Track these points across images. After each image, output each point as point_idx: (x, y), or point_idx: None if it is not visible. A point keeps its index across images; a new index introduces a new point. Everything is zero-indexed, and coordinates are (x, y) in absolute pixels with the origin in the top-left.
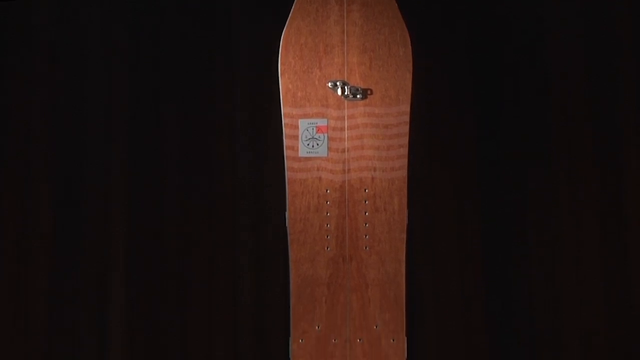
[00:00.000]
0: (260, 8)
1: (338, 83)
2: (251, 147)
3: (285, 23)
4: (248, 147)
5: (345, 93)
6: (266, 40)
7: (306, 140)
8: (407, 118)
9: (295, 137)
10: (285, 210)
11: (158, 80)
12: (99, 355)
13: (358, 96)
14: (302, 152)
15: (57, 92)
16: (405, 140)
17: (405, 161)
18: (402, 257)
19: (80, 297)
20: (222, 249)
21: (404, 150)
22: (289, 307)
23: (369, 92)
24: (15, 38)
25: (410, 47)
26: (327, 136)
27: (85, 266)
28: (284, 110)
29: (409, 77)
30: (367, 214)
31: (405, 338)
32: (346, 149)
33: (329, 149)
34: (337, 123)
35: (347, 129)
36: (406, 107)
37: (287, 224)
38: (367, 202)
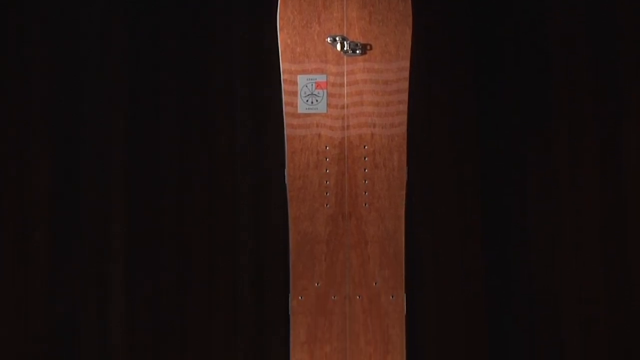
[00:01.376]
0: None
1: (337, 38)
2: (250, 105)
3: None
4: (247, 106)
5: (345, 48)
6: None
7: (305, 97)
8: (406, 74)
9: (294, 94)
10: (284, 167)
11: (157, 48)
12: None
13: (357, 51)
14: (301, 108)
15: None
16: (405, 97)
17: (405, 117)
18: (402, 213)
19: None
20: (222, 209)
21: (404, 107)
22: (289, 264)
23: (368, 47)
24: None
25: (410, 1)
26: (327, 92)
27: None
28: (282, 66)
29: (409, 32)
30: (366, 170)
31: (405, 295)
32: (345, 105)
33: (328, 105)
34: (336, 79)
35: (347, 85)
36: (406, 63)
37: (286, 181)
38: (366, 159)
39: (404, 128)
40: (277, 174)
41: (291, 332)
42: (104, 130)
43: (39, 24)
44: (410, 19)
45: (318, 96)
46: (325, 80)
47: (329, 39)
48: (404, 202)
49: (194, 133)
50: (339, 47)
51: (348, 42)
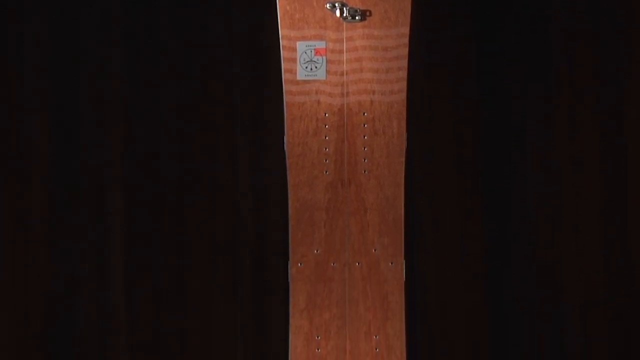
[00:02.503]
0: None
1: (336, 4)
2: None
3: None
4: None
5: (344, 15)
6: None
7: (304, 63)
8: (406, 40)
9: (294, 60)
10: (283, 134)
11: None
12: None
13: (357, 17)
14: (301, 75)
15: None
16: (404, 63)
17: (404, 84)
18: (401, 180)
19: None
20: (221, 176)
21: (403, 73)
22: (288, 231)
23: (367, 13)
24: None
25: None
26: (326, 59)
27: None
28: (281, 32)
29: None
30: (366, 137)
31: (404, 262)
32: (345, 72)
33: (327, 72)
34: (335, 45)
35: (346, 52)
36: (405, 29)
37: (285, 148)
38: (366, 126)
39: (403, 95)
40: (276, 140)
41: (291, 299)
42: (102, 91)
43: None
44: None
45: (317, 63)
46: (324, 46)
47: (328, 5)
48: (403, 169)
49: (194, 85)
50: (338, 13)
51: (347, 8)
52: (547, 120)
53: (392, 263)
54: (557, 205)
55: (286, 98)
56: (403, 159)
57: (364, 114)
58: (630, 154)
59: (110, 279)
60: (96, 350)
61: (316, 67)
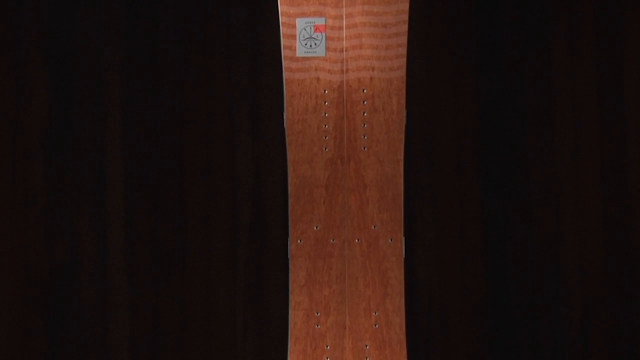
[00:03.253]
0: None
1: None
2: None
3: None
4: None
5: None
6: None
7: (304, 40)
8: (405, 17)
9: (293, 37)
10: (283, 111)
11: None
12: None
13: None
14: (300, 51)
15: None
16: (404, 40)
17: (404, 61)
18: (401, 157)
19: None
20: (220, 153)
21: (403, 50)
22: (288, 208)
23: None
24: None
25: None
26: (325, 35)
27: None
28: (281, 9)
29: None
30: (365, 114)
31: (404, 238)
32: (344, 49)
33: (327, 48)
34: (335, 22)
35: (346, 28)
36: (405, 6)
37: (285, 126)
38: (365, 103)
39: (403, 71)
40: (276, 115)
41: (290, 275)
42: (101, 60)
43: None
44: None
45: (317, 39)
46: (324, 23)
47: None
48: (402, 146)
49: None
50: None
51: None
52: (547, 90)
53: (391, 239)
54: (558, 175)
55: (285, 75)
56: (402, 136)
57: (363, 90)
58: (629, 114)
59: (110, 254)
60: (97, 321)
61: (315, 44)
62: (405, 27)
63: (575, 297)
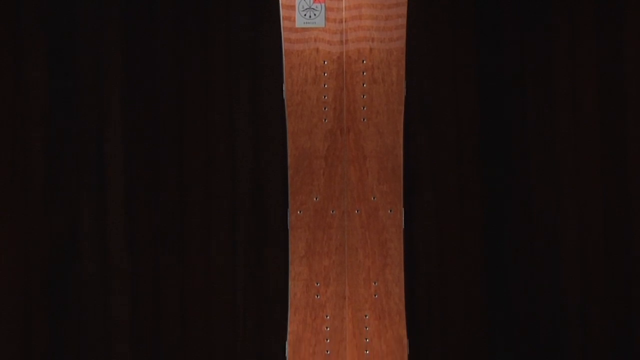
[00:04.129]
0: None
1: None
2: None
3: None
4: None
5: None
6: None
7: (303, 11)
8: None
9: (292, 7)
10: (282, 82)
11: None
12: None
13: None
14: (299, 22)
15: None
16: (403, 10)
17: (403, 32)
18: (400, 128)
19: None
20: (220, 124)
21: (403, 21)
22: (287, 179)
23: None
24: None
25: None
26: (325, 6)
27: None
28: None
29: None
30: (365, 85)
31: (403, 209)
32: (344, 19)
33: (326, 19)
34: None
35: None
36: None
37: (284, 97)
38: (365, 74)
39: (402, 42)
40: (276, 88)
41: (290, 246)
42: (100, 33)
43: None
44: None
45: (316, 10)
46: None
47: None
48: (402, 117)
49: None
50: None
51: None
52: (547, 63)
53: (390, 210)
54: (557, 146)
55: (285, 46)
56: (402, 107)
57: (363, 61)
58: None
59: (110, 229)
60: (98, 297)
61: (315, 15)
62: None
63: (573, 269)
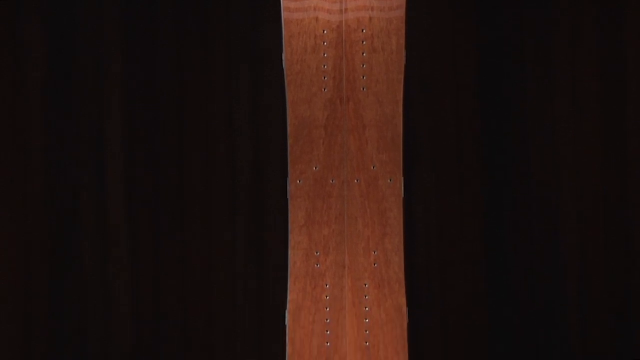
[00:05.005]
0: None
1: None
2: None
3: None
4: None
5: None
6: None
7: None
8: None
9: None
10: (281, 51)
11: None
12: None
13: None
14: None
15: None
16: None
17: (403, 0)
18: (400, 97)
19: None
20: (220, 89)
21: None
22: (287, 148)
23: None
24: None
25: None
26: None
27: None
28: None
29: None
30: (364, 54)
31: (402, 178)
32: None
33: None
34: None
35: None
36: None
37: (283, 66)
38: (364, 43)
39: (402, 11)
40: (276, 55)
41: (290, 215)
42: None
43: None
44: None
45: None
46: None
47: None
48: (402, 86)
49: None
50: None
51: None
52: (547, 34)
53: (390, 179)
54: (557, 113)
55: (284, 15)
56: (402, 76)
57: (362, 30)
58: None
59: (109, 199)
60: (98, 264)
61: None
62: None
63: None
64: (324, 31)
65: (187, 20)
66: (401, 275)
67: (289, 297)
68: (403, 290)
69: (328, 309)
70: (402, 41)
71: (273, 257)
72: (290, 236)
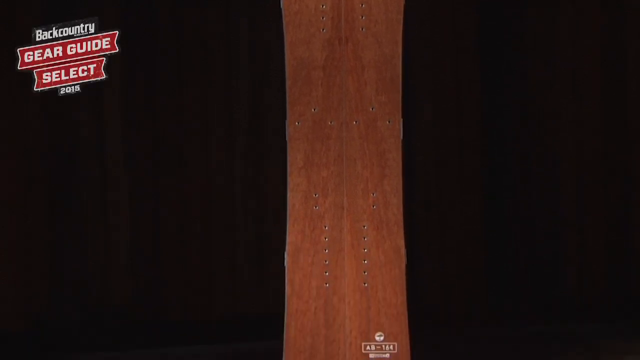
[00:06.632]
0: None
1: None
2: None
3: None
4: None
5: None
6: None
7: None
8: None
9: None
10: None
11: None
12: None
13: None
14: None
15: None
16: None
17: None
18: (399, 38)
19: None
20: (220, 35)
21: None
22: (285, 89)
23: None
24: None
25: None
26: None
27: None
28: None
29: None
30: None
31: (401, 119)
32: None
33: None
34: None
35: None
36: None
37: (282, 6)
38: None
39: None
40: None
41: (288, 157)
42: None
43: None
44: None
45: None
46: None
47: None
48: (401, 27)
49: None
50: None
51: None
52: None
53: (389, 121)
54: (558, 55)
55: None
56: (401, 16)
57: None
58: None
59: (108, 143)
60: (97, 205)
61: None
62: None
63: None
64: None
65: None
66: (400, 217)
67: (288, 239)
68: (402, 231)
69: (327, 251)
70: None
71: (272, 199)
72: (289, 178)
